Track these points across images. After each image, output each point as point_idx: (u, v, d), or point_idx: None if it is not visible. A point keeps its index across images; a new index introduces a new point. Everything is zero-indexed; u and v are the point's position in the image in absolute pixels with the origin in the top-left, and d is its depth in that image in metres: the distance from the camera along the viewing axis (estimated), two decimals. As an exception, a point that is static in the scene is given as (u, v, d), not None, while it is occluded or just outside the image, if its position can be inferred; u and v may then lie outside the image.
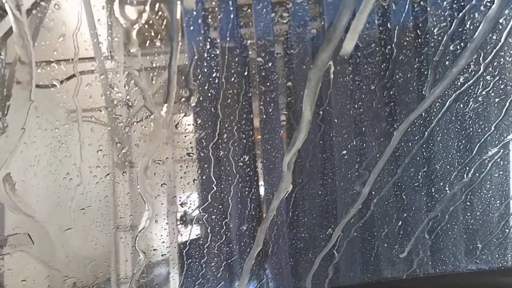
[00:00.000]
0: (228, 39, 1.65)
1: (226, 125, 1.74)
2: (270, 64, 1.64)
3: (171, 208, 1.93)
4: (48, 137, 1.77)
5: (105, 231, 1.96)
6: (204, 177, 1.84)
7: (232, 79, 1.70)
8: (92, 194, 1.85)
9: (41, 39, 1.52)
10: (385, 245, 1.89)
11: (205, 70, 1.68)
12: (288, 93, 1.77)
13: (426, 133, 1.78)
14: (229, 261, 1.88)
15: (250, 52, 1.75)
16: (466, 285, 1.55)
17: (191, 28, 1.60)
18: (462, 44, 1.66)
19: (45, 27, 1.52)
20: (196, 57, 1.57)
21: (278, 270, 1.90)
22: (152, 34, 1.62)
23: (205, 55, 1.65)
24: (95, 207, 1.91)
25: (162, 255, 1.97)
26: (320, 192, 1.86)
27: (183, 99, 1.71)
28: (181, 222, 2.04)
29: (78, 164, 1.78)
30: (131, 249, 1.89)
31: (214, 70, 1.70)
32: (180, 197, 1.89)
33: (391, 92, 1.73)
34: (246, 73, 1.72)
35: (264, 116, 1.74)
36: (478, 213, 1.84)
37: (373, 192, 1.84)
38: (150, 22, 1.62)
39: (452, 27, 1.65)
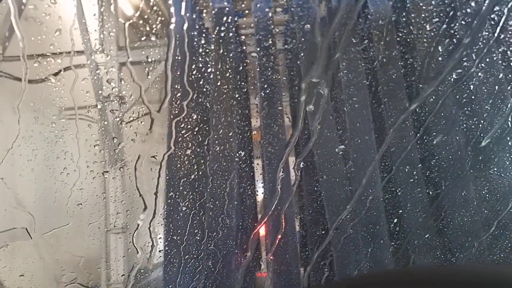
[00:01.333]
0: (224, 33, 1.66)
1: (222, 120, 1.75)
2: (265, 59, 1.65)
3: (167, 204, 1.94)
4: (44, 131, 1.79)
5: (102, 228, 1.97)
6: (200, 173, 1.85)
7: (227, 74, 1.71)
8: (86, 190, 1.86)
9: (37, 33, 1.53)
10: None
11: (200, 66, 1.70)
12: (287, 88, 1.79)
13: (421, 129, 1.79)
14: (226, 257, 1.89)
15: (245, 47, 1.76)
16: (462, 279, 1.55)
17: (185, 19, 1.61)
18: (454, 40, 1.67)
19: (40, 21, 1.53)
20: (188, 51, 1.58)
21: (276, 267, 1.90)
22: (147, 28, 1.63)
23: (200, 50, 1.67)
24: (92, 203, 1.92)
25: (159, 251, 1.98)
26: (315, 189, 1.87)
27: (178, 94, 1.72)
28: (178, 218, 2.05)
29: (74, 160, 1.79)
30: (128, 245, 1.90)
31: (209, 65, 1.71)
32: (176, 194, 1.90)
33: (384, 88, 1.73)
34: (241, 68, 1.73)
35: (261, 113, 1.75)
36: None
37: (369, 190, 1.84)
38: (145, 16, 1.63)
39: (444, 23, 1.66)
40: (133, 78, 1.66)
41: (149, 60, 1.69)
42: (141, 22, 1.60)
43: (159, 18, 1.63)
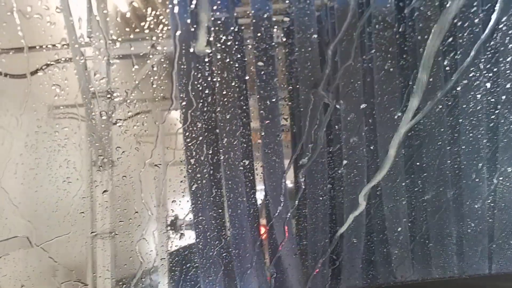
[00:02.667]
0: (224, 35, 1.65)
1: (227, 129, 1.74)
2: (271, 68, 1.65)
3: (170, 213, 1.93)
4: (48, 140, 1.77)
5: (103, 236, 1.95)
6: (204, 182, 1.83)
7: (233, 83, 1.71)
8: (89, 199, 1.84)
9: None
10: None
11: (206, 74, 1.69)
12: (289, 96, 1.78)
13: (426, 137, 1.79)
14: (228, 266, 1.88)
15: (251, 56, 1.75)
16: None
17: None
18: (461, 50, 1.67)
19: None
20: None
21: (278, 275, 1.89)
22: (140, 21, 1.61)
23: (206, 59, 1.66)
24: (94, 211, 1.90)
25: (161, 259, 1.97)
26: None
27: (183, 103, 1.71)
28: (179, 227, 2.04)
29: (77, 168, 1.77)
30: (130, 253, 1.88)
31: (214, 74, 1.70)
32: (179, 201, 1.89)
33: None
34: (247, 77, 1.72)
35: (264, 119, 1.74)
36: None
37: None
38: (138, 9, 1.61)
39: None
40: (138, 87, 1.66)
41: (139, 53, 1.67)
42: (133, 15, 1.59)
43: (152, 12, 1.61)
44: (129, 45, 1.68)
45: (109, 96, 1.78)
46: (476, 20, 1.57)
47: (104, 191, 1.84)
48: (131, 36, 1.70)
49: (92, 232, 1.89)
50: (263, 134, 1.67)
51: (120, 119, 1.81)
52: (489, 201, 1.83)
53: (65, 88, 1.70)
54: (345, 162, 1.71)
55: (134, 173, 1.76)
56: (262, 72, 1.65)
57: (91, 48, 1.79)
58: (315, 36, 1.61)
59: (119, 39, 1.69)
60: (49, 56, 1.68)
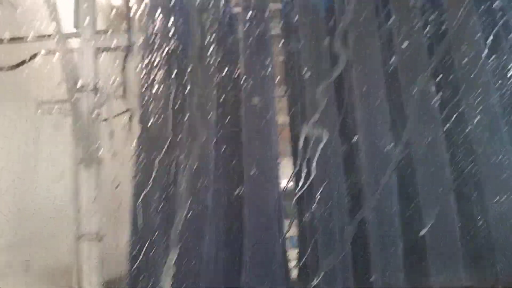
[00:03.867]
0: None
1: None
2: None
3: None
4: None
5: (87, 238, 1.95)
6: (199, 188, 1.82)
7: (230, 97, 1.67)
8: (86, 201, 1.85)
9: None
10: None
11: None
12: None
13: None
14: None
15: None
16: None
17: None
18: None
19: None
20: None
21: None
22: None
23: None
24: (90, 214, 1.91)
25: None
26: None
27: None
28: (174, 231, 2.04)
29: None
30: (120, 256, 1.90)
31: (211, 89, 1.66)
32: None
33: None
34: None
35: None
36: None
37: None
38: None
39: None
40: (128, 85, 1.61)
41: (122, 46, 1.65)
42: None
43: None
44: (117, 39, 1.65)
45: (95, 91, 1.74)
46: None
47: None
48: (121, 30, 1.68)
49: (79, 236, 1.87)
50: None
51: (114, 118, 1.80)
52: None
53: (57, 85, 1.70)
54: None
55: (125, 174, 1.75)
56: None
57: (78, 42, 1.76)
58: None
59: (108, 32, 1.66)
60: (38, 50, 1.67)
